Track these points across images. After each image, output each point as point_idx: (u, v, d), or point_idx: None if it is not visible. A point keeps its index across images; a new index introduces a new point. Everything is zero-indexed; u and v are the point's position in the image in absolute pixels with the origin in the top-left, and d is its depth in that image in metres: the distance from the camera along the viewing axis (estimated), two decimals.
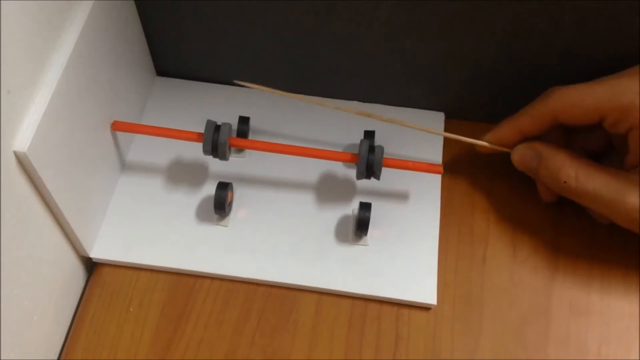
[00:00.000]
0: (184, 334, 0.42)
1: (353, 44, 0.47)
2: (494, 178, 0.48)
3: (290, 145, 0.45)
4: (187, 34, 0.48)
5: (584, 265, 0.45)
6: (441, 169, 0.45)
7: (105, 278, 0.44)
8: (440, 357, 0.42)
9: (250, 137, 0.49)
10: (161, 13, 0.47)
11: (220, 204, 0.44)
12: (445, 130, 0.50)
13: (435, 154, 0.49)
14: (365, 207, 0.44)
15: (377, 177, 0.44)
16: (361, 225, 0.44)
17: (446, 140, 0.50)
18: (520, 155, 0.44)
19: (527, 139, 0.44)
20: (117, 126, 0.44)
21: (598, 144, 0.45)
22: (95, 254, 0.44)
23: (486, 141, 0.45)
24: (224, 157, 0.44)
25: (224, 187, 0.44)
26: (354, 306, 0.44)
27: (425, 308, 0.44)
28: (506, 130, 0.45)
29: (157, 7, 0.46)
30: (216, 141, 0.43)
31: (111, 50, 0.43)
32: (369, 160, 0.43)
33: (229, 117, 0.47)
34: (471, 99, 0.50)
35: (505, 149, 0.45)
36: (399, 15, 0.44)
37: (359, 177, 0.44)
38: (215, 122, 0.44)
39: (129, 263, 0.44)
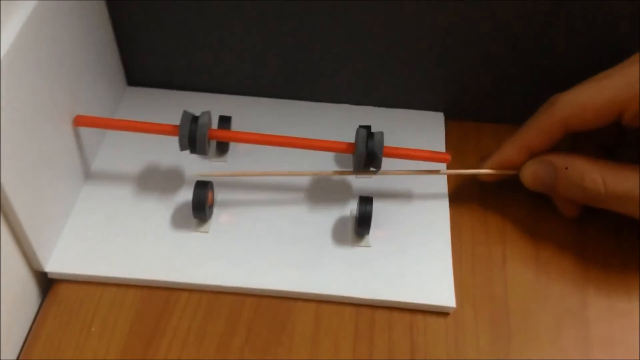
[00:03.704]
0: (158, 353, 0.35)
1: (342, 41, 0.43)
2: None
3: (278, 136, 0.39)
4: (162, 37, 0.44)
5: (618, 260, 0.40)
6: (449, 157, 0.40)
7: (62, 296, 0.37)
8: None
9: (232, 146, 0.44)
10: (133, 16, 0.43)
11: (200, 205, 0.38)
12: (447, 131, 0.46)
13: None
14: (365, 201, 0.39)
15: (378, 166, 0.39)
16: (362, 221, 0.38)
17: (449, 138, 0.45)
18: (532, 173, 0.39)
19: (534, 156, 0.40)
20: (79, 121, 0.39)
21: (609, 138, 0.41)
22: (52, 267, 0.37)
23: (489, 168, 0.40)
24: (202, 149, 0.39)
25: (203, 186, 0.39)
26: (360, 314, 0.37)
27: (442, 313, 0.37)
28: (511, 151, 0.40)
29: (129, 10, 0.43)
30: (194, 131, 0.38)
31: (72, 55, 0.38)
32: (368, 145, 0.38)
33: None
34: (471, 97, 0.46)
35: (512, 172, 0.40)
36: (391, 9, 0.40)
37: (357, 166, 0.39)
38: (193, 114, 0.39)
39: (91, 277, 0.38)
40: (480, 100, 0.46)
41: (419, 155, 0.40)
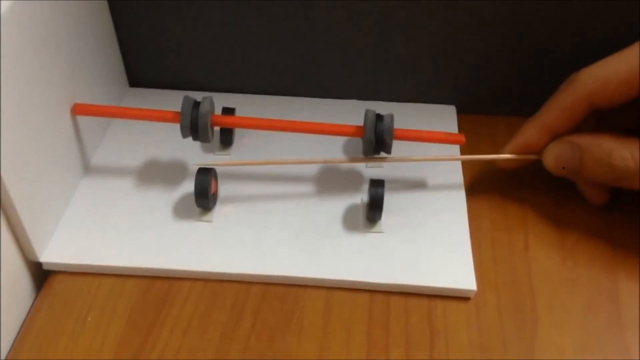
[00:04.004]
0: (158, 342, 0.33)
1: (345, 32, 0.42)
2: None
3: (283, 121, 0.38)
4: (163, 38, 0.44)
5: None
6: (463, 138, 0.38)
7: (57, 287, 0.35)
8: (490, 352, 0.32)
9: (236, 138, 0.43)
10: (134, 16, 0.43)
11: (203, 192, 0.37)
12: (459, 125, 0.44)
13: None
14: (377, 183, 0.37)
15: (388, 150, 0.37)
16: (374, 204, 0.36)
17: (462, 125, 0.44)
18: (555, 156, 0.37)
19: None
20: (78, 109, 0.38)
21: (635, 120, 0.39)
22: (47, 257, 0.35)
23: (509, 152, 0.38)
24: (205, 135, 0.37)
25: (205, 173, 0.37)
26: (374, 301, 0.35)
27: (462, 298, 0.35)
28: (532, 133, 0.38)
29: (130, 10, 0.42)
30: (196, 116, 0.37)
31: (71, 45, 0.37)
32: (377, 128, 0.37)
33: None
34: (484, 90, 0.44)
35: (534, 156, 0.38)
36: (401, 2, 0.39)
37: (366, 150, 0.37)
38: (194, 99, 0.38)
39: (88, 266, 0.36)
40: (493, 93, 0.45)
41: (431, 136, 0.38)
